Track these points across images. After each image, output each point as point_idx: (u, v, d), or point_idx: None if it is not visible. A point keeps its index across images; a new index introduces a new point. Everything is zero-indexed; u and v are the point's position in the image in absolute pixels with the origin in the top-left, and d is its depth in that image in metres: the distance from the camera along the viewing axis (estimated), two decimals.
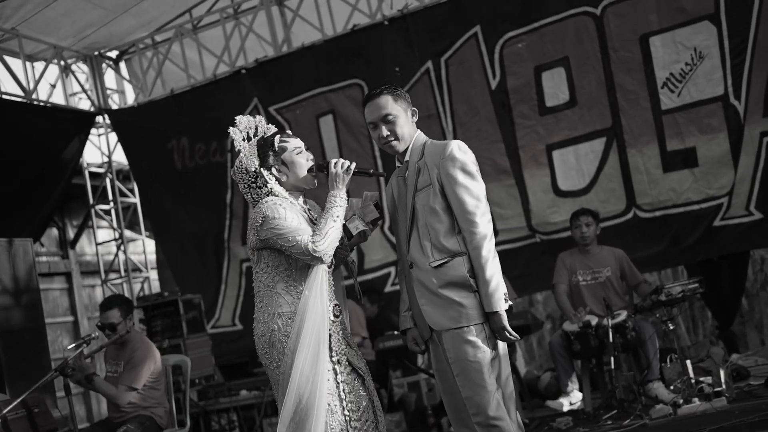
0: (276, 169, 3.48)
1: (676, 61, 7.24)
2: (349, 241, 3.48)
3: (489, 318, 3.33)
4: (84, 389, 4.98)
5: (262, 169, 3.45)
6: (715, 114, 7.12)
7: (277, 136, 3.53)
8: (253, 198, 3.49)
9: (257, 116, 3.63)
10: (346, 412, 3.30)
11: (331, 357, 3.35)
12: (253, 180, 3.46)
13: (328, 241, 3.32)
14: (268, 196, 3.43)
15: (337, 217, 3.38)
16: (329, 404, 3.28)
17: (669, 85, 7.30)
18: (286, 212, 3.34)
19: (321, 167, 3.53)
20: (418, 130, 3.59)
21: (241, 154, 3.49)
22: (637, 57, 7.39)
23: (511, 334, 3.32)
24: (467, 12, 7.97)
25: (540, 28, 7.74)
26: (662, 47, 7.28)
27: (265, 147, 3.49)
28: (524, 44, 7.83)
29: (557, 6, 7.67)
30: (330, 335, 3.36)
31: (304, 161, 3.52)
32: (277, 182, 3.47)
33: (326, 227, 3.34)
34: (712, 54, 7.10)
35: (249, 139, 3.55)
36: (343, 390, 3.33)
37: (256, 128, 3.59)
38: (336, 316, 3.41)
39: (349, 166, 3.48)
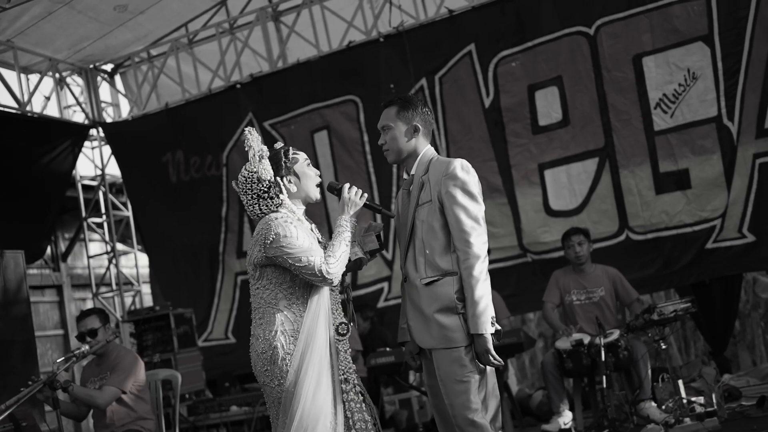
0: (287, 180, 3.45)
1: (669, 82, 7.27)
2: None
3: (474, 339, 3.31)
4: (57, 407, 4.76)
5: (277, 178, 3.42)
6: (709, 135, 7.13)
7: (291, 148, 3.52)
8: (260, 210, 3.40)
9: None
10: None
11: (340, 375, 3.32)
12: (265, 190, 3.39)
13: (341, 264, 3.32)
14: (277, 208, 3.39)
15: (349, 241, 3.38)
16: (335, 423, 3.25)
17: (662, 105, 7.32)
18: (298, 231, 3.31)
19: (332, 188, 3.54)
20: (428, 146, 3.59)
21: (253, 163, 3.40)
22: (630, 77, 7.42)
23: (494, 359, 3.30)
24: (462, 30, 8.01)
25: (534, 47, 7.78)
26: (655, 68, 7.31)
27: (277, 157, 3.46)
28: (518, 63, 7.86)
29: (551, 25, 7.71)
30: (338, 353, 3.34)
31: (313, 174, 3.52)
32: (287, 193, 3.44)
33: (339, 250, 3.33)
34: (706, 75, 7.13)
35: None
36: (350, 409, 3.30)
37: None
38: (341, 334, 3.37)
39: (362, 195, 3.48)
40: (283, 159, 3.46)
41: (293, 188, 3.46)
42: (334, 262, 3.29)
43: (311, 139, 8.74)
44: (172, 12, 9.20)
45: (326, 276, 3.26)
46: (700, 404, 5.48)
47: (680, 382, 5.58)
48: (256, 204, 3.42)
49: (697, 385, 6.20)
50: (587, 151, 7.63)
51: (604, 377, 5.50)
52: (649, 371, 5.91)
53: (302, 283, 3.33)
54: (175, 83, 9.52)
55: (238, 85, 9.04)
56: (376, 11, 8.51)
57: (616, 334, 5.83)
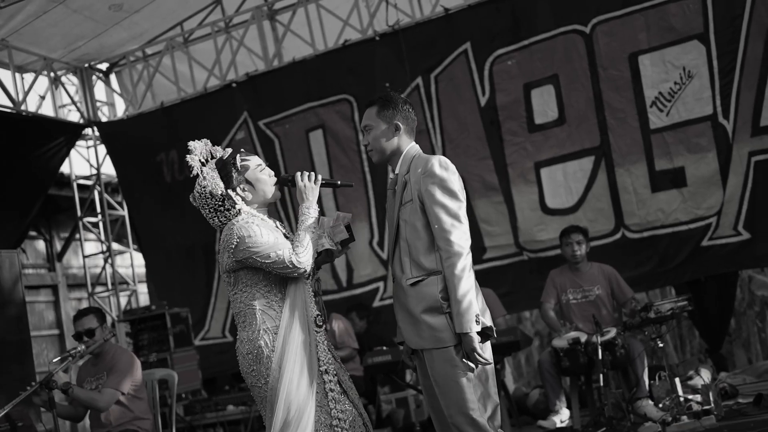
0: (241, 188, 3.45)
1: (664, 80, 7.28)
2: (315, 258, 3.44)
3: (461, 339, 3.26)
4: (53, 408, 4.73)
5: (228, 190, 3.41)
6: (704, 133, 7.15)
7: (238, 156, 3.50)
8: (220, 221, 3.43)
9: (206, 140, 3.57)
10: (335, 422, 3.28)
11: (319, 367, 3.33)
12: (220, 203, 3.40)
13: (310, 252, 3.33)
14: (236, 217, 3.40)
15: (314, 228, 3.39)
16: (318, 416, 3.26)
17: (658, 104, 7.33)
18: (261, 229, 3.32)
19: (285, 181, 3.52)
20: (412, 143, 3.55)
21: (202, 179, 3.41)
22: (625, 75, 7.42)
23: (480, 357, 3.25)
24: (458, 29, 8.01)
25: (529, 46, 7.78)
26: (651, 66, 7.33)
27: (226, 168, 3.44)
28: (514, 61, 7.86)
29: (547, 24, 7.71)
30: (317, 345, 3.34)
31: (267, 177, 3.51)
32: (243, 202, 3.44)
33: (305, 239, 3.34)
34: (701, 73, 7.14)
35: (204, 163, 3.49)
36: (333, 399, 3.32)
37: (210, 153, 3.52)
38: (319, 326, 3.38)
39: (316, 177, 3.47)
40: (232, 170, 3.44)
41: (249, 196, 3.46)
42: (303, 251, 3.30)
43: (306, 138, 8.73)
44: (168, 11, 9.18)
45: (297, 266, 3.28)
46: (697, 402, 5.49)
47: (677, 380, 5.58)
48: (215, 217, 3.44)
49: (694, 383, 6.21)
50: (583, 150, 7.64)
51: (601, 375, 5.50)
52: (646, 369, 5.92)
53: (277, 279, 3.34)
54: (170, 82, 9.50)
55: (234, 84, 9.02)
56: (371, 10, 8.50)
57: (612, 332, 5.83)
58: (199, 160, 3.47)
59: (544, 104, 7.75)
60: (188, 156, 3.45)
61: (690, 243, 7.19)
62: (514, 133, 7.87)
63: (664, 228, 7.32)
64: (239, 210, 3.41)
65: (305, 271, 3.31)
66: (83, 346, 4.98)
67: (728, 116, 7.04)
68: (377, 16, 8.49)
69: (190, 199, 3.50)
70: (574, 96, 7.63)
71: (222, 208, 3.41)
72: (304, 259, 3.29)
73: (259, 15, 9.01)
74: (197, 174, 3.44)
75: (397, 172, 3.52)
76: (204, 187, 3.41)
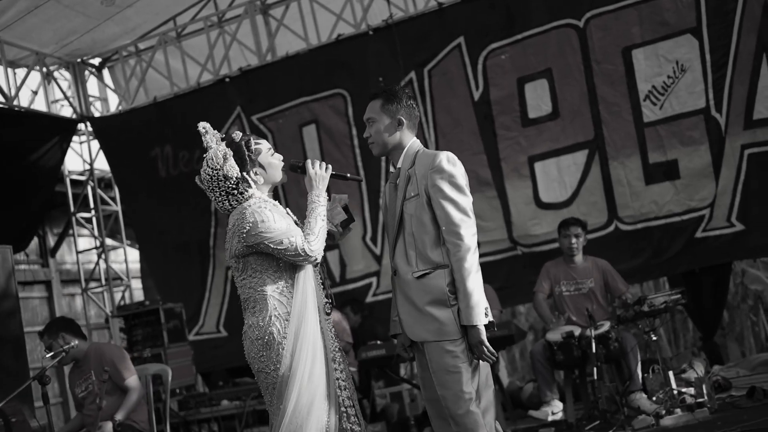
0: (254, 172, 3.44)
1: (658, 74, 7.30)
2: None
3: (467, 331, 3.32)
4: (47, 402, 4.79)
5: (243, 173, 3.40)
6: (697, 127, 7.18)
7: (251, 139, 3.49)
8: (231, 205, 3.40)
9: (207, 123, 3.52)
10: (342, 408, 3.31)
11: (329, 354, 3.34)
12: (233, 186, 3.38)
13: (321, 239, 3.34)
14: (247, 200, 3.38)
15: (324, 216, 3.39)
16: (328, 403, 3.27)
17: (651, 97, 7.35)
18: (273, 214, 3.31)
19: (295, 167, 3.52)
20: (414, 138, 3.58)
21: (216, 161, 3.37)
22: (619, 69, 7.44)
23: (488, 350, 3.31)
24: (451, 23, 8.01)
25: (523, 40, 7.78)
26: (644, 60, 7.34)
27: (240, 151, 3.43)
28: (507, 56, 7.86)
29: (540, 18, 7.71)
30: (324, 333, 3.35)
31: (277, 162, 3.52)
32: (255, 186, 3.44)
33: (317, 227, 3.35)
34: (694, 67, 7.16)
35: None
36: (339, 386, 3.35)
37: (217, 137, 3.48)
38: (327, 314, 3.40)
39: (327, 167, 3.48)
40: (247, 153, 3.43)
41: (260, 180, 3.45)
42: (314, 239, 3.31)
43: (300, 133, 8.72)
44: (160, 5, 9.14)
45: (309, 254, 3.28)
46: (691, 395, 5.52)
47: (671, 373, 5.61)
48: (225, 200, 3.42)
49: (687, 376, 6.23)
50: (577, 144, 7.65)
51: (594, 369, 5.52)
52: (640, 363, 5.94)
53: (286, 265, 3.33)
54: (163, 77, 9.47)
55: (227, 79, 8.99)
56: (364, 4, 8.48)
57: (606, 325, 5.85)
58: (216, 140, 3.43)
59: (538, 98, 7.76)
60: (206, 136, 3.41)
61: (684, 234, 7.22)
62: (507, 128, 7.87)
63: (657, 219, 7.34)
64: (251, 194, 3.40)
65: (316, 259, 3.32)
66: (75, 341, 5.06)
67: (721, 110, 7.07)
68: (370, 10, 8.48)
69: (197, 181, 3.48)
70: (568, 90, 7.64)
71: (235, 192, 3.39)
72: (316, 246, 3.31)
73: (252, 9, 8.99)
74: (212, 155, 3.37)
75: (399, 166, 3.53)
76: (216, 169, 3.37)
